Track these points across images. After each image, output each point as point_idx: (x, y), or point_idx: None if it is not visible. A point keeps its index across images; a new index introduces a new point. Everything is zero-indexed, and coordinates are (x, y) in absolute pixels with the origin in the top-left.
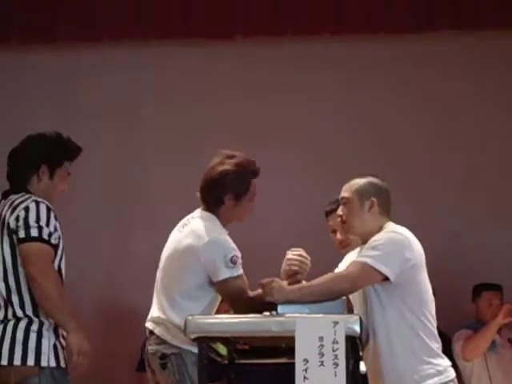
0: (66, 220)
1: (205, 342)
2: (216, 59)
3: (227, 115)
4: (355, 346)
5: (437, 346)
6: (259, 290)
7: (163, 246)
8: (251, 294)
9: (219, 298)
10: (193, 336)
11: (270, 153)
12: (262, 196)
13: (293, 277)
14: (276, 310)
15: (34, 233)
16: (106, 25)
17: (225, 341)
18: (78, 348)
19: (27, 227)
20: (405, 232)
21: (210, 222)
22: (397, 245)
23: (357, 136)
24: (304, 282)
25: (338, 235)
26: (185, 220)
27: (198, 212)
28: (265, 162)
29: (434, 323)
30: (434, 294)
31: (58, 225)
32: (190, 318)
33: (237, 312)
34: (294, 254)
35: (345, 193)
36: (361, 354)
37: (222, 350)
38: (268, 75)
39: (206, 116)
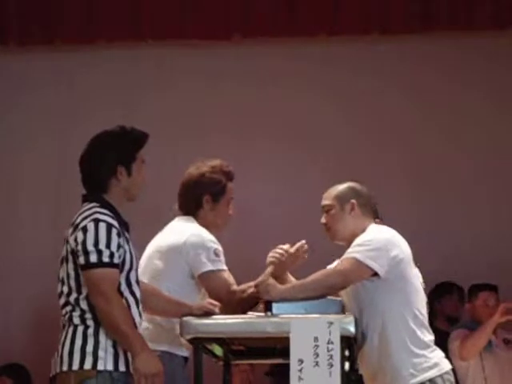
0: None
1: (200, 342)
2: (214, 60)
3: (225, 115)
4: (351, 346)
5: (430, 338)
6: (247, 284)
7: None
8: (237, 288)
9: (205, 296)
10: (188, 337)
11: (266, 149)
12: (259, 195)
13: (276, 277)
14: (271, 310)
15: (94, 258)
16: (103, 26)
17: (220, 342)
18: (144, 371)
19: (86, 253)
20: (390, 230)
21: (190, 221)
22: (384, 241)
23: (354, 136)
24: (291, 278)
25: None
26: (165, 227)
27: (177, 218)
28: (261, 158)
29: (426, 316)
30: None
31: (123, 239)
32: (185, 319)
33: (223, 306)
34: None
35: (325, 201)
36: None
37: (218, 350)
38: (265, 75)
39: (204, 116)
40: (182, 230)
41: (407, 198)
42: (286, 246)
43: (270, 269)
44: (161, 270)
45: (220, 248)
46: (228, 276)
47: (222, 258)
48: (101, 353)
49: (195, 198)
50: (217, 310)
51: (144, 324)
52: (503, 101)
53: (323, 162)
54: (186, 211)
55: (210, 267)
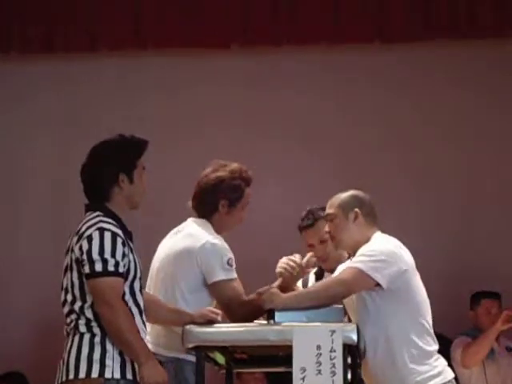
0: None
1: (203, 351)
2: (214, 67)
3: (225, 123)
4: (354, 354)
5: (435, 346)
6: (253, 295)
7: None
8: (247, 298)
9: (213, 303)
10: (191, 345)
11: (267, 154)
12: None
13: (285, 288)
14: (273, 318)
15: (99, 267)
16: (104, 34)
17: (222, 350)
18: (149, 381)
19: (91, 261)
20: (394, 241)
21: (205, 226)
22: (388, 253)
23: (355, 137)
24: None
25: (317, 250)
26: (177, 228)
27: (190, 220)
28: (262, 162)
29: (431, 324)
30: None
31: (127, 248)
32: (188, 327)
33: (231, 315)
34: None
35: (329, 209)
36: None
37: (220, 359)
38: (264, 84)
39: (205, 123)
40: (197, 236)
41: (408, 197)
42: (297, 258)
43: (278, 281)
44: (175, 272)
45: (233, 257)
46: (238, 285)
47: (234, 266)
48: (108, 361)
49: (212, 203)
50: (219, 318)
51: (155, 329)
52: (504, 106)
53: (324, 163)
54: (202, 214)
55: (221, 277)
